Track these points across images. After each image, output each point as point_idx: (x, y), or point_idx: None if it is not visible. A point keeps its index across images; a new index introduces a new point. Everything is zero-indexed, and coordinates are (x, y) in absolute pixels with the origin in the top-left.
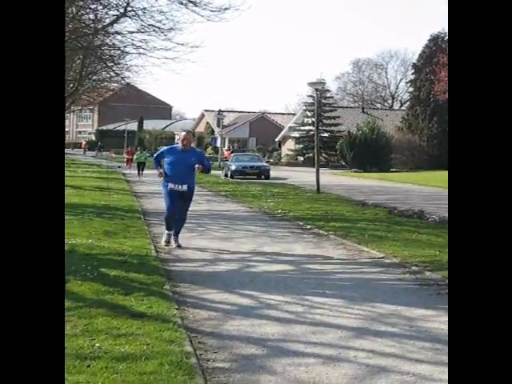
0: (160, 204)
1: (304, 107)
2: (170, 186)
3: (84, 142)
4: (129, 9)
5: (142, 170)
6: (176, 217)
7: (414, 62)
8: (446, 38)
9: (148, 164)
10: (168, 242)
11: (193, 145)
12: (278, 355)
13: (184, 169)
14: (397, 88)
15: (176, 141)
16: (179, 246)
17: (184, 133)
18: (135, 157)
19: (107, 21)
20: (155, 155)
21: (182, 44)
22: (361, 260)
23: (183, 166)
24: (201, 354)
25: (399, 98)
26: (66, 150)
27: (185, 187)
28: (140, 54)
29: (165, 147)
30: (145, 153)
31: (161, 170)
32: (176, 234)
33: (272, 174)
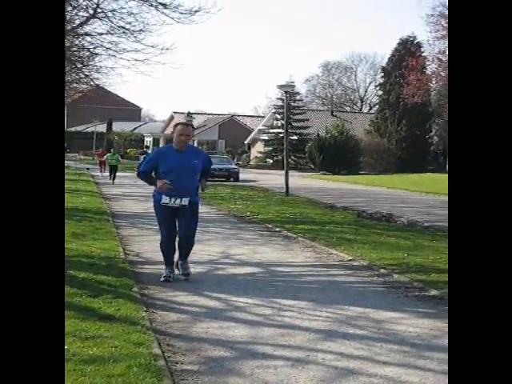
0: (129, 205)
1: (273, 110)
2: (165, 200)
3: None
4: (98, 10)
5: (115, 175)
6: (178, 240)
7: (384, 65)
8: (415, 41)
9: (120, 166)
10: (169, 278)
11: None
12: (247, 357)
13: (184, 176)
14: (366, 91)
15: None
16: (187, 275)
17: (180, 126)
18: (106, 157)
19: (76, 22)
20: (142, 164)
21: (151, 46)
22: (329, 262)
23: (183, 172)
24: (169, 357)
25: (368, 102)
26: None
27: (185, 201)
28: (110, 55)
29: (155, 150)
30: (117, 155)
31: (165, 181)
32: (184, 258)
33: (241, 176)
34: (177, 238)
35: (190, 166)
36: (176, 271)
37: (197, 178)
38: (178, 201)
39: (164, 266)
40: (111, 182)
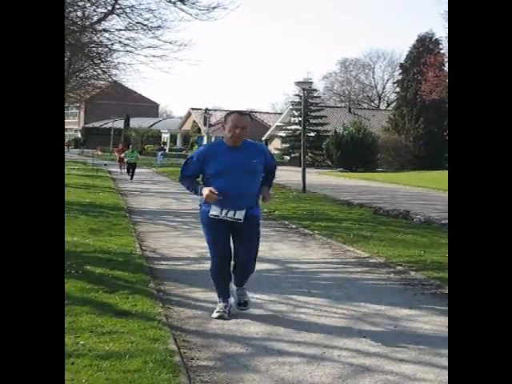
0: (146, 202)
1: (291, 106)
2: (214, 211)
3: (66, 140)
4: (117, 6)
5: (133, 173)
6: (234, 264)
7: (402, 62)
8: (433, 38)
9: (138, 163)
10: (224, 313)
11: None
12: (262, 354)
13: (240, 180)
14: (384, 88)
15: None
16: (245, 305)
17: (234, 116)
18: (124, 154)
19: (95, 18)
20: (184, 167)
21: (169, 42)
22: (346, 259)
23: (238, 175)
24: (185, 353)
25: (386, 99)
26: (66, 149)
27: (240, 214)
28: (127, 51)
29: (202, 147)
30: (136, 152)
31: (211, 189)
32: (241, 283)
33: None
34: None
35: (247, 166)
36: (232, 302)
37: (257, 183)
38: (232, 213)
39: (217, 298)
40: (130, 179)
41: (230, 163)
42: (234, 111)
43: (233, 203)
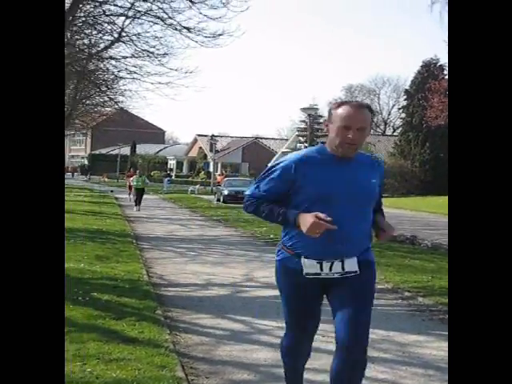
0: (152, 228)
1: (297, 132)
2: (310, 268)
3: (70, 166)
4: (123, 34)
5: (140, 200)
6: (338, 348)
7: (407, 88)
8: (438, 64)
9: (148, 189)
10: None
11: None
12: (271, 381)
13: (352, 210)
14: (389, 114)
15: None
16: None
17: (346, 108)
18: (132, 182)
19: (101, 46)
20: (257, 185)
21: (175, 69)
22: None
23: (351, 200)
24: (192, 380)
25: (391, 124)
26: (71, 175)
27: (352, 264)
28: (134, 79)
29: (288, 156)
30: (144, 177)
31: (318, 214)
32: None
33: None
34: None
35: (364, 189)
36: None
37: (370, 214)
38: (339, 266)
39: None
40: (136, 208)
41: (339, 183)
42: (347, 102)
43: (339, 247)
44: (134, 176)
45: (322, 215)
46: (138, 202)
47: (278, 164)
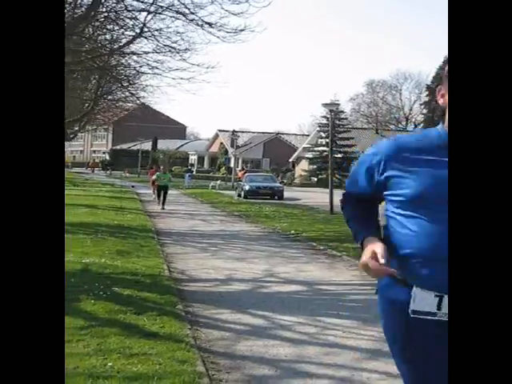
0: (173, 223)
1: (318, 128)
2: (422, 305)
3: (91, 161)
4: (145, 29)
5: (165, 197)
6: None
7: (428, 83)
8: None
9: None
10: None
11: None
12: (291, 376)
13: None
14: (411, 110)
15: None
16: None
17: None
18: (155, 176)
19: (123, 41)
20: (350, 178)
21: (197, 65)
22: (374, 281)
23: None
24: (213, 375)
25: (413, 120)
26: (80, 169)
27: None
28: (155, 74)
29: (382, 142)
30: (168, 175)
31: (381, 249)
32: None
33: (285, 194)
34: None
35: None
36: None
37: None
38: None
39: None
40: (160, 206)
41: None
42: None
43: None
44: (158, 173)
45: (381, 249)
46: (162, 199)
47: (368, 154)
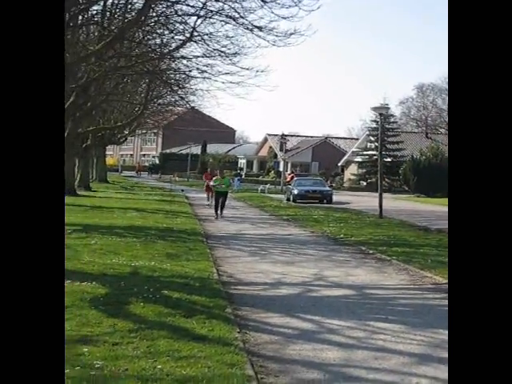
0: (222, 227)
1: (367, 132)
2: None
3: (137, 165)
4: (195, 34)
5: (222, 207)
6: None
7: None
8: None
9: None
10: None
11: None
12: (340, 380)
13: None
14: None
15: None
16: None
17: None
18: (212, 182)
19: (173, 45)
20: None
21: (246, 68)
22: (424, 285)
23: None
24: (262, 378)
25: None
26: (130, 173)
27: None
28: (205, 78)
29: None
30: (227, 179)
31: None
32: None
33: (334, 198)
34: None
35: None
36: None
37: None
38: None
39: None
40: (215, 215)
41: None
42: None
43: None
44: (216, 177)
45: None
46: (220, 208)
47: None
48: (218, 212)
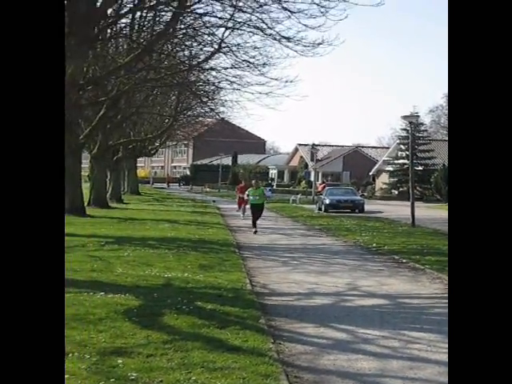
0: (255, 237)
1: (398, 141)
2: None
3: (167, 176)
4: (223, 45)
5: (258, 216)
6: None
7: None
8: None
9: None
10: None
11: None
12: None
13: None
14: None
15: None
16: None
17: None
18: (248, 195)
19: (202, 57)
20: None
21: (275, 79)
22: None
23: None
24: None
25: None
26: (161, 185)
27: None
28: (234, 89)
29: None
30: (262, 189)
31: None
32: None
33: (366, 207)
34: None
35: None
36: None
37: None
38: None
39: None
40: (254, 229)
41: None
42: None
43: None
44: (250, 189)
45: None
46: (254, 221)
47: None
48: (254, 226)
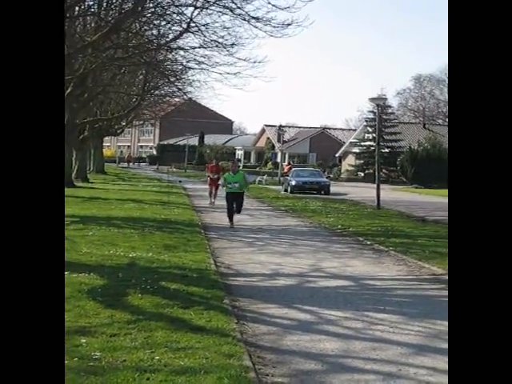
0: (220, 218)
1: (365, 123)
2: None
3: (127, 155)
4: (192, 24)
5: (239, 209)
6: None
7: None
8: None
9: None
10: None
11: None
12: (338, 371)
13: None
14: None
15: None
16: None
17: None
18: (222, 180)
19: (170, 36)
20: None
21: (244, 59)
22: (421, 276)
23: None
24: (260, 369)
25: None
26: (127, 165)
27: None
28: (202, 69)
29: None
30: (242, 173)
31: None
32: None
33: (332, 189)
34: None
35: None
36: None
37: None
38: None
39: None
40: (230, 223)
41: None
42: None
43: None
44: (227, 173)
45: None
46: (231, 215)
47: None
48: (233, 215)
